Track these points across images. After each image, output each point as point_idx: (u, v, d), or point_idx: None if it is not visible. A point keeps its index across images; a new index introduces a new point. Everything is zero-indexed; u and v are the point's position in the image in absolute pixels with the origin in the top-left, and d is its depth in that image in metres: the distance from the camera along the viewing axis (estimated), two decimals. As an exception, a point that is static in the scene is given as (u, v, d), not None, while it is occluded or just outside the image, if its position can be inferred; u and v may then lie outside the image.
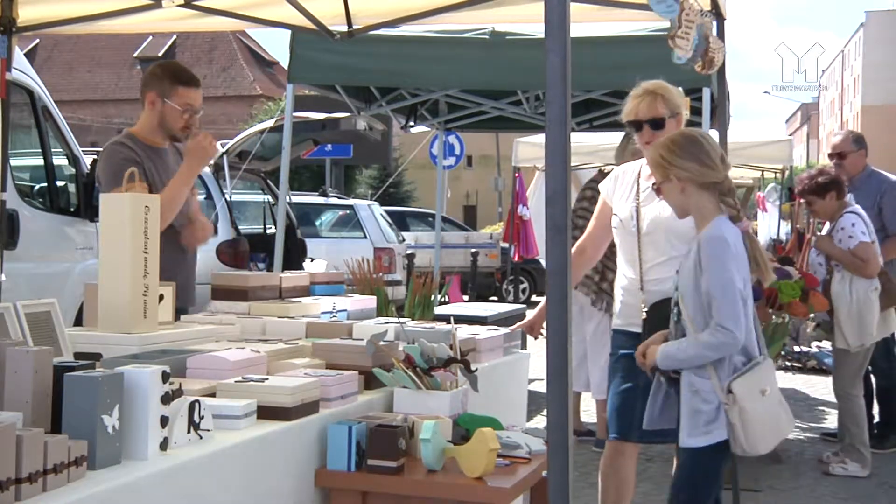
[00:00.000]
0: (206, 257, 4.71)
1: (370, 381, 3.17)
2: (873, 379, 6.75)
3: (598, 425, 6.48)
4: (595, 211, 4.22)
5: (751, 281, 3.39)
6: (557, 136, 2.33)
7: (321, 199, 14.28)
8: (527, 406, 4.49)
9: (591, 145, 11.18)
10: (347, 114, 9.15)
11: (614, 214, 3.98)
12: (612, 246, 4.08)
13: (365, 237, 12.95)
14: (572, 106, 8.77)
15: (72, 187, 6.54)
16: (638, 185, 3.91)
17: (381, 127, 10.33)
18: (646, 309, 3.75)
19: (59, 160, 6.59)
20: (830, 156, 6.95)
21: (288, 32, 6.14)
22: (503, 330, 4.20)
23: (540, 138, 10.44)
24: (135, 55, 47.50)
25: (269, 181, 9.76)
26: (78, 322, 5.00)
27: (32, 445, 1.95)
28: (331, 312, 4.10)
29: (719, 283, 3.20)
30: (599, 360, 6.30)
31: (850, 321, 5.88)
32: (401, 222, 17.55)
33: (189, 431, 2.38)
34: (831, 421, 7.31)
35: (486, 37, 6.63)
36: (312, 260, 9.69)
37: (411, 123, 9.26)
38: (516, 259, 12.51)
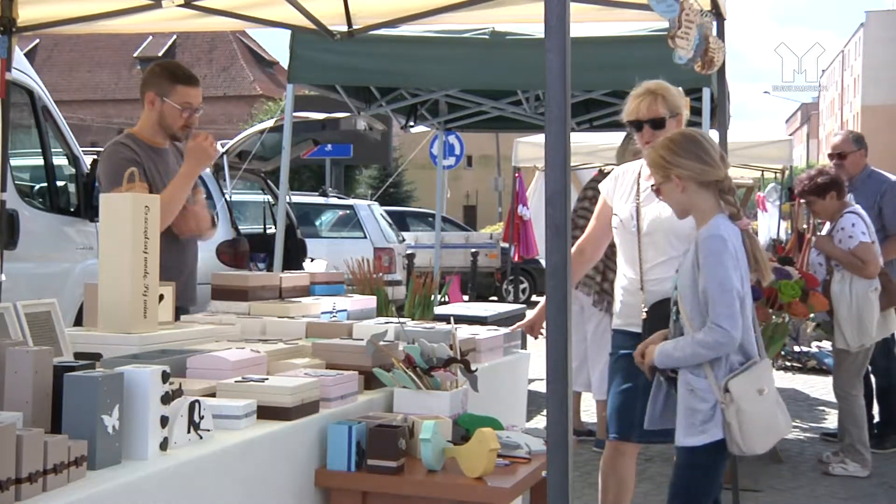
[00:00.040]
0: (206, 257, 4.71)
1: (370, 381, 3.17)
2: (873, 379, 6.74)
3: (598, 425, 6.48)
4: (595, 211, 4.22)
5: (750, 280, 3.39)
6: (557, 136, 2.33)
7: (321, 199, 14.28)
8: (527, 406, 4.49)
9: (591, 145, 11.19)
10: (347, 114, 9.15)
11: (614, 214, 3.98)
12: (613, 246, 4.08)
13: (365, 237, 12.95)
14: (572, 106, 8.79)
15: (72, 187, 6.54)
16: (638, 185, 3.91)
17: (381, 127, 10.33)
18: (646, 309, 3.75)
19: (59, 160, 6.59)
20: (830, 156, 6.95)
21: (288, 32, 6.14)
22: (503, 330, 4.20)
23: (540, 138, 10.44)
24: (135, 55, 47.50)
25: (269, 181, 9.76)
26: (78, 322, 5.00)
27: (32, 445, 1.95)
28: (331, 312, 4.10)
29: (716, 281, 3.21)
30: (600, 360, 6.30)
31: (850, 321, 5.88)
32: (401, 222, 17.55)
33: (189, 431, 2.38)
34: (831, 421, 7.31)
35: (486, 37, 6.63)
36: (312, 260, 9.69)
37: (411, 123, 9.26)
38: (516, 259, 12.51)
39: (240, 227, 8.97)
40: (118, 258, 3.22)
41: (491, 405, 3.50)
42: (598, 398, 6.45)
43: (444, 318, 4.35)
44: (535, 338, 4.16)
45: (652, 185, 3.53)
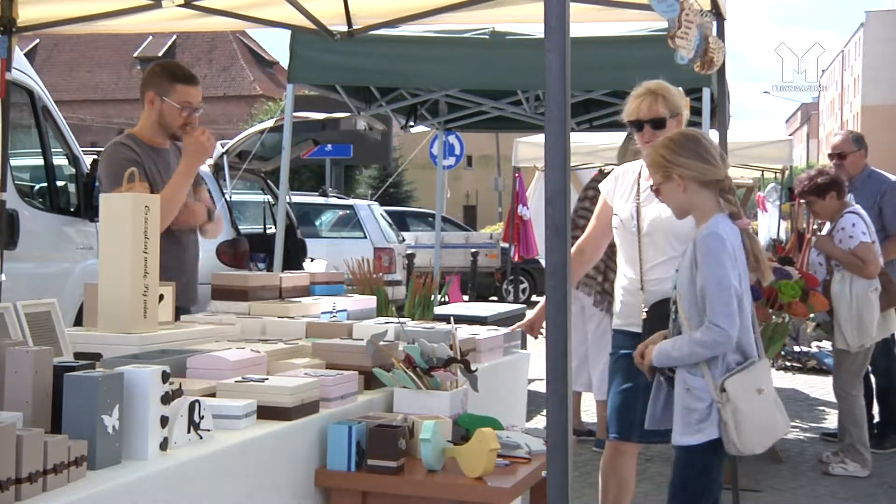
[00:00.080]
0: (206, 257, 4.71)
1: (370, 381, 3.17)
2: (873, 379, 6.74)
3: (598, 425, 6.48)
4: (595, 211, 4.22)
5: (750, 280, 3.39)
6: (557, 136, 2.33)
7: (321, 199, 14.28)
8: (527, 406, 4.49)
9: (591, 145, 11.19)
10: (347, 114, 9.15)
11: (615, 214, 3.98)
12: (614, 246, 4.08)
13: (365, 237, 12.95)
14: (572, 106, 8.78)
15: (72, 187, 6.54)
16: (638, 185, 3.91)
17: (381, 127, 10.33)
18: (646, 309, 3.75)
19: (59, 160, 6.59)
20: (830, 156, 6.95)
21: (288, 32, 6.14)
22: (503, 330, 4.20)
23: (540, 138, 10.44)
24: (135, 55, 47.50)
25: (269, 181, 9.76)
26: (78, 322, 5.00)
27: (32, 445, 1.95)
28: (331, 312, 4.10)
29: (714, 279, 3.20)
30: (600, 360, 6.30)
31: (850, 321, 5.88)
32: (401, 222, 17.55)
33: (189, 431, 2.38)
34: (831, 421, 7.31)
35: (486, 37, 6.63)
36: (312, 260, 9.69)
37: (411, 123, 9.27)
38: (516, 259, 12.51)
39: (240, 227, 8.97)
40: (118, 258, 3.22)
41: (491, 405, 3.50)
42: (599, 398, 6.45)
43: (444, 318, 4.35)
44: (535, 337, 4.16)
45: (651, 186, 3.53)
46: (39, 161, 6.46)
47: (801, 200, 6.43)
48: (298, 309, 3.96)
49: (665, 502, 3.50)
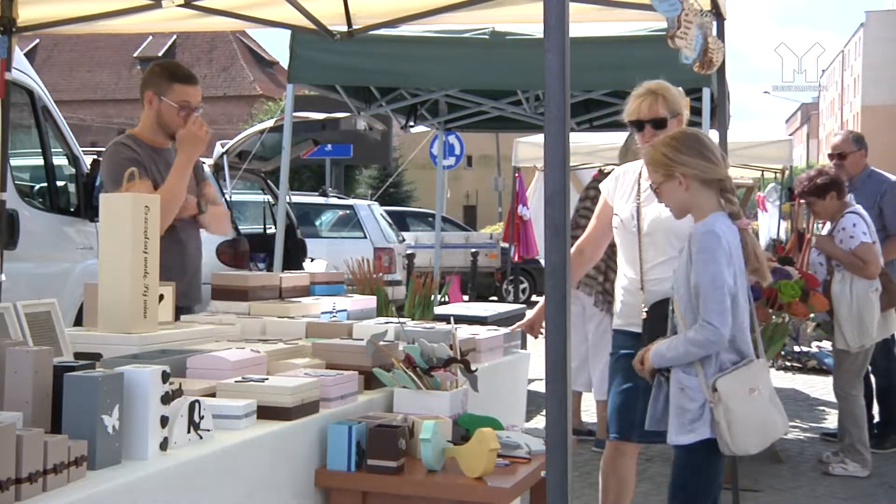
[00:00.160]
0: (206, 257, 4.71)
1: (370, 381, 3.17)
2: (873, 379, 6.74)
3: (599, 425, 6.49)
4: (595, 210, 4.22)
5: (750, 281, 3.39)
6: (556, 136, 2.33)
7: (321, 199, 14.28)
8: (527, 406, 4.49)
9: (591, 145, 11.19)
10: (347, 114, 9.15)
11: (615, 214, 3.98)
12: (615, 246, 4.08)
13: (365, 237, 12.96)
14: (572, 106, 8.80)
15: (72, 187, 6.54)
16: (639, 185, 3.91)
17: (381, 127, 10.34)
18: (646, 309, 3.75)
19: (59, 160, 6.59)
20: (830, 156, 6.95)
21: (288, 32, 6.14)
22: (503, 330, 4.20)
23: (540, 138, 10.43)
24: (135, 55, 47.51)
25: (269, 181, 9.77)
26: (78, 322, 5.00)
27: (32, 445, 1.95)
28: (331, 312, 4.09)
29: (708, 277, 3.20)
30: (600, 360, 6.30)
31: (851, 322, 5.88)
32: (401, 222, 17.55)
33: (189, 431, 2.38)
34: (831, 421, 7.31)
35: (486, 37, 6.63)
36: (312, 260, 9.69)
37: (411, 123, 9.27)
38: (516, 259, 12.52)
39: (240, 228, 8.98)
40: (118, 258, 3.22)
41: (491, 405, 3.50)
42: (599, 398, 6.45)
43: (444, 318, 4.35)
44: (535, 337, 4.16)
45: (651, 185, 3.52)
46: (39, 161, 6.46)
47: (801, 201, 6.43)
48: (298, 309, 3.96)
49: (665, 502, 3.50)
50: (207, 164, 8.69)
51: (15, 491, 1.91)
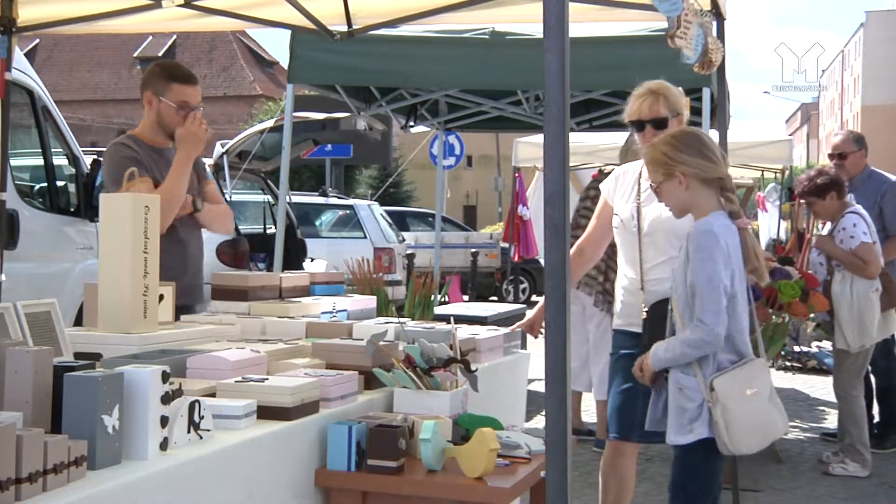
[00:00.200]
0: (206, 257, 4.71)
1: (370, 381, 3.17)
2: (873, 379, 6.74)
3: (599, 426, 6.48)
4: (595, 210, 4.22)
5: (749, 280, 3.38)
6: (556, 137, 2.33)
7: (321, 199, 14.28)
8: (526, 406, 4.49)
9: (590, 145, 11.20)
10: (347, 114, 9.15)
11: (615, 214, 3.98)
12: (615, 245, 4.08)
13: (365, 237, 12.96)
14: (572, 106, 8.78)
15: (72, 187, 6.54)
16: (639, 185, 3.91)
17: (381, 127, 10.34)
18: (646, 309, 3.75)
19: (59, 160, 6.59)
20: (831, 156, 6.95)
21: (288, 32, 6.14)
22: (503, 330, 4.20)
23: (540, 138, 10.41)
24: (135, 55, 47.51)
25: (269, 181, 9.77)
26: (78, 322, 5.00)
27: (32, 445, 1.95)
28: (331, 312, 4.10)
29: (704, 276, 3.19)
30: (600, 360, 6.30)
31: (851, 322, 5.88)
32: (401, 222, 17.56)
33: (189, 431, 2.38)
34: (831, 421, 7.31)
35: (486, 37, 6.63)
36: (312, 260, 9.69)
37: (411, 123, 9.27)
38: (516, 259, 12.52)
39: (240, 228, 8.97)
40: (118, 258, 3.22)
41: (491, 405, 3.50)
42: (599, 398, 6.44)
43: (444, 318, 4.35)
44: (535, 337, 4.16)
45: (651, 185, 3.52)
46: (39, 161, 6.46)
47: (802, 201, 6.43)
48: (298, 309, 3.96)
49: (665, 502, 3.50)
50: (207, 164, 8.69)
51: (15, 491, 1.91)
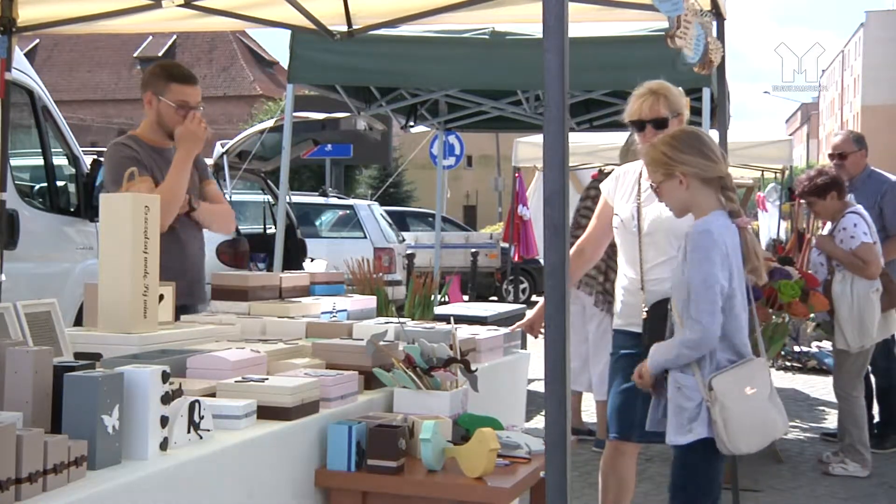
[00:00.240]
0: (206, 257, 4.71)
1: (370, 381, 3.17)
2: (873, 379, 6.74)
3: (599, 426, 6.48)
4: (596, 210, 4.22)
5: (749, 280, 3.38)
6: (556, 136, 2.33)
7: (321, 199, 14.28)
8: (526, 406, 4.49)
9: (591, 145, 11.20)
10: (347, 114, 9.16)
11: (615, 214, 3.98)
12: (615, 245, 4.08)
13: (365, 237, 12.96)
14: (572, 106, 8.77)
15: (72, 187, 6.54)
16: (639, 185, 3.91)
17: (381, 127, 10.34)
18: (646, 309, 3.75)
19: (59, 160, 6.59)
20: (831, 156, 6.95)
21: (288, 32, 6.14)
22: (503, 330, 4.20)
23: (540, 138, 10.41)
24: (135, 55, 47.51)
25: (269, 181, 9.77)
26: (78, 322, 5.00)
27: (32, 445, 1.95)
28: (331, 312, 4.10)
29: (700, 276, 3.19)
30: (600, 360, 6.30)
31: (851, 322, 5.88)
32: (401, 222, 17.56)
33: (189, 431, 2.38)
34: (831, 421, 7.31)
35: (486, 37, 6.63)
36: (312, 260, 9.69)
37: (411, 123, 9.27)
38: (516, 259, 12.52)
39: (240, 228, 8.97)
40: (118, 258, 3.22)
41: (491, 405, 3.50)
42: (598, 398, 6.44)
43: (444, 318, 4.35)
44: (536, 336, 4.16)
45: (651, 185, 3.51)
46: (39, 161, 6.46)
47: (802, 201, 6.43)
48: (298, 309, 3.96)
49: (665, 502, 3.50)
50: (207, 164, 8.69)
51: (15, 491, 1.91)
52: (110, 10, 4.94)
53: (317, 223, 13.92)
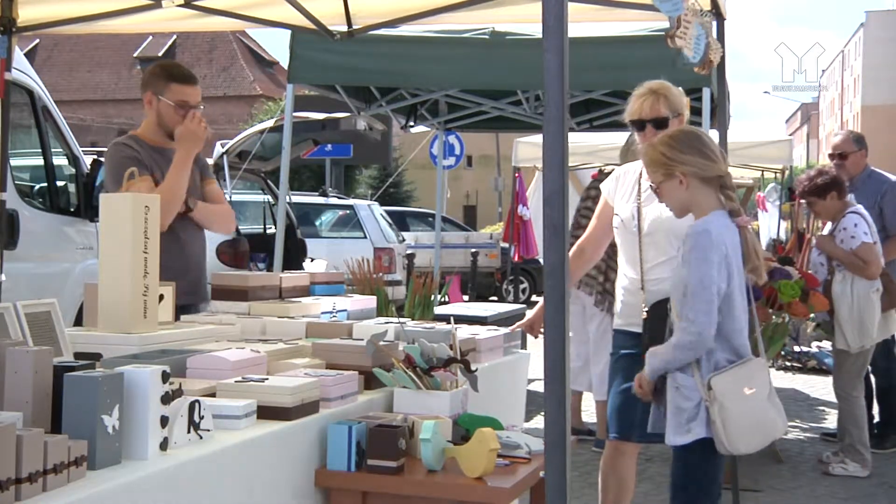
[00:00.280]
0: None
1: (370, 381, 3.17)
2: (873, 379, 6.74)
3: (598, 425, 6.48)
4: (596, 210, 4.22)
5: (749, 280, 3.37)
6: (555, 136, 2.33)
7: (321, 199, 14.28)
8: (526, 406, 4.49)
9: (591, 145, 11.20)
10: (347, 114, 9.16)
11: (616, 214, 3.98)
12: (615, 245, 4.08)
13: (365, 237, 12.96)
14: (573, 106, 8.76)
15: (72, 187, 6.54)
16: (639, 185, 3.91)
17: (381, 127, 10.34)
18: (646, 309, 3.75)
19: (59, 160, 6.59)
20: (831, 156, 6.95)
21: (288, 32, 6.14)
22: (503, 330, 4.20)
23: (540, 138, 10.42)
24: (135, 55, 47.51)
25: (269, 181, 9.77)
26: (78, 322, 5.00)
27: (32, 445, 1.95)
28: (331, 312, 4.10)
29: (697, 277, 3.18)
30: (600, 360, 6.30)
31: (851, 322, 5.88)
32: (401, 222, 17.56)
33: (189, 431, 2.38)
34: (831, 421, 7.31)
35: (486, 37, 6.63)
36: (312, 260, 9.70)
37: (411, 123, 9.27)
38: (516, 259, 12.52)
39: (240, 228, 8.98)
40: (118, 258, 3.22)
41: (491, 405, 3.50)
42: (598, 398, 6.44)
43: (444, 318, 4.35)
44: (536, 336, 4.16)
45: (651, 185, 3.51)
46: (39, 161, 6.46)
47: (802, 201, 6.43)
48: (298, 309, 3.96)
49: (665, 502, 3.50)
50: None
51: (15, 491, 1.91)
52: (110, 10, 4.94)
53: (317, 223, 13.92)
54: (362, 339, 3.26)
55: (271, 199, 9.74)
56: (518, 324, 4.33)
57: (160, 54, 44.54)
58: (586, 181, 8.82)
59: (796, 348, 9.93)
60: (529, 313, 4.35)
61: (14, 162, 5.76)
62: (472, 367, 3.28)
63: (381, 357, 3.19)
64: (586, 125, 9.34)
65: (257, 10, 5.12)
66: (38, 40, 45.79)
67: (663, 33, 3.54)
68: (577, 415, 6.86)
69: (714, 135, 4.59)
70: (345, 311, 4.18)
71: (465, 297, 14.05)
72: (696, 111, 5.87)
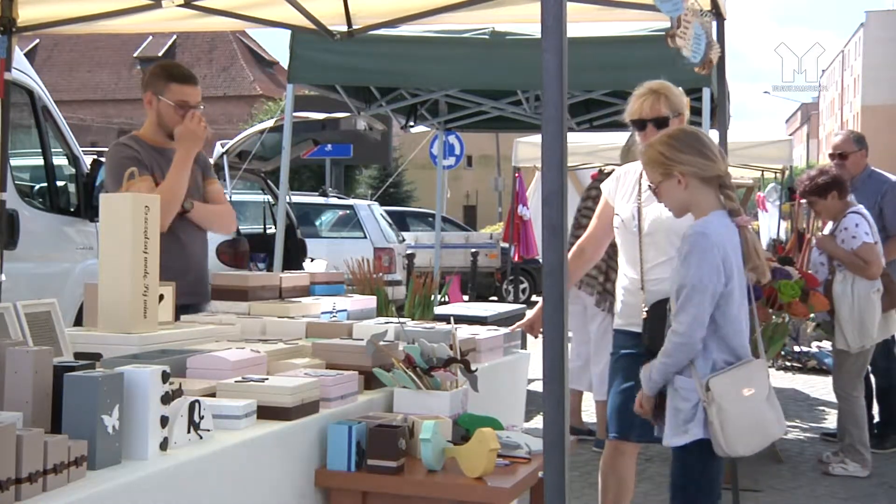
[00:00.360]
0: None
1: (370, 381, 3.17)
2: (873, 379, 6.74)
3: (598, 426, 6.48)
4: (596, 210, 4.22)
5: (751, 280, 3.37)
6: (554, 137, 2.33)
7: (321, 199, 14.28)
8: (526, 406, 4.49)
9: (590, 145, 11.21)
10: (347, 114, 9.16)
11: (616, 214, 3.98)
12: (616, 245, 4.08)
13: (365, 237, 12.96)
14: (572, 106, 8.77)
15: (72, 187, 6.54)
16: (640, 185, 3.91)
17: (381, 127, 10.34)
18: (646, 309, 3.75)
19: (59, 160, 6.60)
20: (832, 156, 6.94)
21: (288, 32, 6.14)
22: (503, 330, 4.20)
23: (540, 138, 10.44)
24: (135, 55, 47.52)
25: (269, 181, 9.77)
26: (78, 322, 5.00)
27: (32, 445, 1.95)
28: (331, 312, 4.10)
29: (692, 279, 3.18)
30: (600, 360, 6.30)
31: (852, 322, 5.88)
32: (401, 222, 17.56)
33: (189, 431, 2.38)
34: (831, 421, 7.31)
35: (486, 37, 6.63)
36: (312, 260, 9.70)
37: (411, 123, 9.27)
38: (516, 259, 12.53)
39: (240, 228, 8.98)
40: (118, 258, 3.22)
41: (491, 405, 3.50)
42: (598, 398, 6.44)
43: (444, 318, 4.35)
44: (535, 337, 4.16)
45: (650, 185, 3.51)
46: (39, 161, 6.46)
47: (803, 200, 6.43)
48: (298, 309, 3.96)
49: (665, 502, 3.50)
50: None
51: (15, 491, 1.91)
52: (110, 10, 4.94)
53: (317, 223, 13.92)
54: (362, 339, 3.26)
55: (271, 199, 9.74)
56: (518, 324, 4.33)
57: (160, 54, 44.54)
58: (586, 181, 8.82)
59: (796, 348, 9.93)
60: (529, 313, 4.35)
61: (14, 162, 5.76)
62: (472, 367, 3.28)
63: (381, 357, 3.19)
64: (586, 125, 9.34)
65: (257, 10, 5.12)
66: (38, 40, 45.80)
67: (663, 33, 3.54)
68: (577, 415, 6.86)
69: (714, 135, 4.60)
70: (345, 311, 4.18)
71: (465, 297, 14.05)
72: (696, 111, 5.87)
